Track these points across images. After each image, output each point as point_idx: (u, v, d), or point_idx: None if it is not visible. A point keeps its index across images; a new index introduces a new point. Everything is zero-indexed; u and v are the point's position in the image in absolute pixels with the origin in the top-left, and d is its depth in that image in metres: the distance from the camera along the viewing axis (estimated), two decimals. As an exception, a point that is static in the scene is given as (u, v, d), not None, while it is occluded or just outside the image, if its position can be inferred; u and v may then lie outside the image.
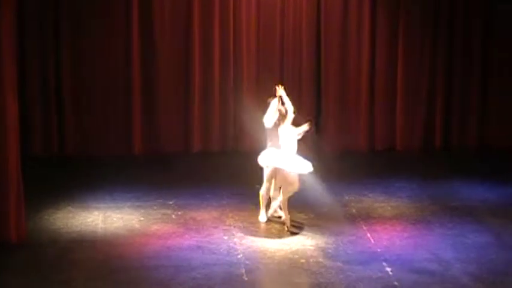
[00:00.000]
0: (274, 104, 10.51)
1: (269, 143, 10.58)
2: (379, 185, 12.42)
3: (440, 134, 15.15)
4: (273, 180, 10.68)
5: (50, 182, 12.58)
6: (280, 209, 10.71)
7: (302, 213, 11.06)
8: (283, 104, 10.52)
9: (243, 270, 9.18)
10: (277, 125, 10.47)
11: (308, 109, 14.47)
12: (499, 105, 15.00)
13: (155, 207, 11.44)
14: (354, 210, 11.26)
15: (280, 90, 10.57)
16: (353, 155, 14.42)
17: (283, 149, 10.37)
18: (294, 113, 10.43)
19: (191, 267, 9.26)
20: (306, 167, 10.34)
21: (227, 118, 14.66)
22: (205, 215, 11.14)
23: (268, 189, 10.74)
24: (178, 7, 14.37)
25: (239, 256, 9.60)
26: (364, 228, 10.62)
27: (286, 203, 10.48)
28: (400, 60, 14.93)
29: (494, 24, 14.81)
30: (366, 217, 11.06)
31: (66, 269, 9.24)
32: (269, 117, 10.51)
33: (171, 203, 11.65)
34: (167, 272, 9.14)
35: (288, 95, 13.77)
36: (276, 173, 10.55)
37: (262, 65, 14.72)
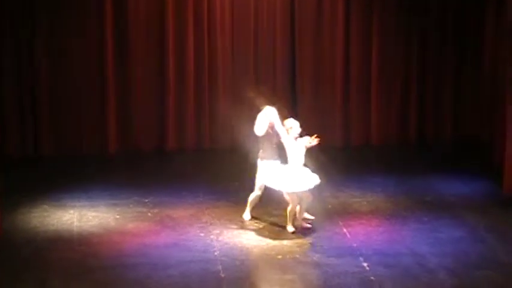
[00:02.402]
0: (262, 115, 10.48)
1: (261, 151, 10.56)
2: (355, 180, 12.47)
3: (415, 128, 15.20)
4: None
5: (25, 182, 12.51)
6: (307, 212, 10.69)
7: (278, 209, 11.06)
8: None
9: (220, 267, 9.19)
10: (269, 133, 10.43)
11: (283, 105, 14.42)
12: (472, 98, 15.05)
13: (131, 205, 11.43)
14: (330, 206, 11.30)
15: (269, 110, 10.45)
16: (328, 150, 14.43)
17: (289, 161, 10.27)
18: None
19: (168, 264, 9.26)
20: (309, 181, 10.21)
21: (202, 115, 14.62)
22: (181, 212, 11.13)
23: (256, 198, 10.75)
24: (152, 6, 14.33)
25: (216, 253, 9.61)
26: (341, 223, 10.66)
27: (293, 211, 10.39)
28: (374, 54, 14.94)
29: (467, 16, 14.89)
30: (342, 212, 11.11)
31: (42, 268, 9.21)
32: (260, 126, 10.48)
33: (146, 200, 11.63)
34: (144, 270, 9.13)
35: (262, 91, 13.80)
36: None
37: (237, 62, 14.68)
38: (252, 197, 10.76)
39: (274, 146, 10.52)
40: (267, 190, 10.66)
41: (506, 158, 11.91)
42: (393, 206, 11.48)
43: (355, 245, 9.88)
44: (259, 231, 10.39)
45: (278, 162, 10.53)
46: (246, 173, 12.55)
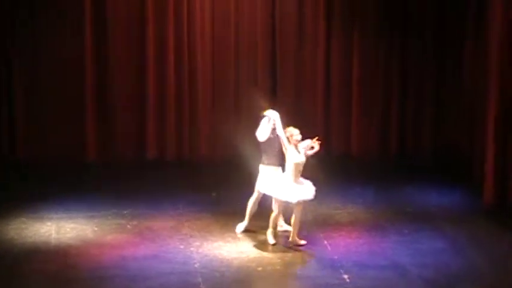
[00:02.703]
0: (265, 120, 10.45)
1: (264, 156, 10.53)
2: (336, 191, 12.47)
3: (396, 139, 15.22)
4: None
5: (1, 190, 12.41)
6: (287, 224, 10.64)
7: (259, 221, 11.00)
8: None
9: (200, 279, 9.15)
10: (271, 139, 10.41)
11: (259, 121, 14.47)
12: (453, 110, 15.05)
13: (109, 217, 11.37)
14: (310, 217, 11.27)
15: (272, 114, 10.41)
16: (309, 162, 14.41)
17: (287, 169, 10.20)
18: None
19: (147, 276, 9.19)
20: (302, 193, 10.12)
21: (182, 125, 14.55)
22: (161, 224, 11.09)
23: (256, 201, 10.67)
24: (132, 12, 14.27)
25: (196, 265, 9.57)
26: (321, 235, 10.65)
27: (298, 221, 10.26)
28: (355, 65, 14.96)
29: (447, 28, 14.98)
30: (323, 224, 11.11)
31: (19, 281, 9.12)
32: (262, 131, 10.45)
33: (125, 212, 11.59)
34: (122, 282, 9.07)
35: (242, 99, 13.72)
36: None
37: (218, 74, 14.66)
38: (250, 201, 10.68)
39: (277, 151, 10.48)
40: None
41: (486, 170, 11.95)
42: (373, 217, 11.50)
43: (335, 257, 9.87)
44: (239, 243, 10.36)
45: (280, 168, 10.48)
46: (226, 184, 12.56)
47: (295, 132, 10.23)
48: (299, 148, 10.20)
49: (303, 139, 10.26)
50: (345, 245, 10.28)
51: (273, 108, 10.60)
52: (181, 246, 10.21)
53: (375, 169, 14.27)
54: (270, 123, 10.39)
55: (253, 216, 10.85)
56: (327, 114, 15.03)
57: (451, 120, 15.13)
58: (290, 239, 10.26)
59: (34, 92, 14.00)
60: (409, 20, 14.95)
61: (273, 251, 10.06)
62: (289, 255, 9.93)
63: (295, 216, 10.19)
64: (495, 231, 10.86)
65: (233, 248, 10.19)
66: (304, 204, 10.25)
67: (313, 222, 11.12)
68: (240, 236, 10.61)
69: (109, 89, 14.30)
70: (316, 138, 10.29)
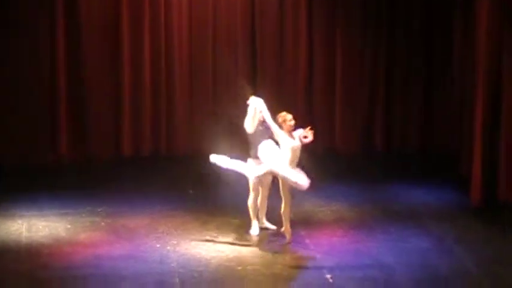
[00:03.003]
0: (251, 109, 10.28)
1: (252, 151, 10.38)
2: (319, 189, 12.42)
3: (381, 135, 15.30)
4: (260, 189, 10.54)
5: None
6: (268, 221, 10.63)
7: (237, 218, 11.04)
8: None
9: (177, 280, 9.11)
10: (260, 130, 10.27)
11: (243, 114, 14.47)
12: (441, 107, 15.18)
13: (83, 215, 11.33)
14: (292, 215, 11.20)
15: (256, 101, 10.24)
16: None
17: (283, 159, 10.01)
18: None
19: (122, 277, 9.15)
20: (301, 178, 10.01)
21: (159, 121, 14.60)
22: (136, 222, 11.06)
23: (256, 199, 10.60)
24: (107, 10, 14.27)
25: (172, 264, 9.53)
26: (303, 233, 10.63)
27: (288, 214, 10.25)
28: (339, 60, 15.03)
29: (435, 25, 15.04)
30: (305, 222, 11.08)
31: (-12, 281, 9.09)
32: (248, 123, 10.31)
33: (100, 209, 11.55)
34: (96, 282, 9.03)
35: (222, 96, 13.72)
36: (267, 181, 10.38)
37: (195, 70, 14.71)
38: (250, 202, 10.59)
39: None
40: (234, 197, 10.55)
41: (474, 169, 11.99)
42: (358, 215, 11.50)
43: (318, 256, 9.85)
44: (218, 242, 10.33)
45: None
46: (204, 180, 12.54)
47: (288, 118, 10.02)
48: (294, 135, 10.05)
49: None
50: (328, 244, 10.26)
51: (256, 95, 10.44)
52: (158, 245, 10.17)
53: (359, 166, 14.31)
54: (256, 112, 10.20)
55: (234, 213, 10.95)
56: (309, 108, 15.08)
57: (438, 116, 15.23)
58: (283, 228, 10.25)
59: (6, 88, 13.97)
60: (396, 11, 14.98)
61: (253, 250, 10.04)
62: (270, 255, 9.91)
63: (285, 206, 10.14)
64: (483, 230, 10.89)
65: (212, 246, 10.15)
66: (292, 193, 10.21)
67: (295, 220, 11.01)
68: (220, 235, 10.57)
69: (82, 83, 14.27)
70: (309, 127, 10.19)
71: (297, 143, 10.04)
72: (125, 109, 14.43)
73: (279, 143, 10.05)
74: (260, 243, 10.30)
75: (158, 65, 14.53)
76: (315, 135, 10.13)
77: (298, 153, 10.06)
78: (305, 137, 10.16)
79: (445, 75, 14.92)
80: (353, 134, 15.23)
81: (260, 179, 10.40)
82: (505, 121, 11.73)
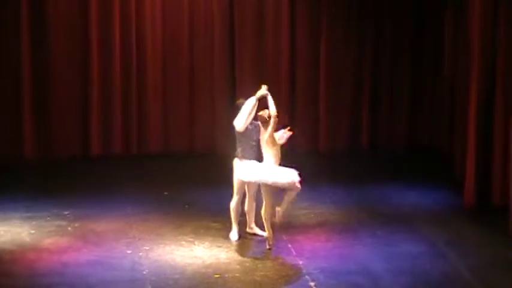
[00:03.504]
0: (249, 105, 10.28)
1: (239, 149, 10.38)
2: (302, 190, 12.42)
3: (367, 133, 15.42)
4: (247, 192, 10.52)
5: None
6: (258, 226, 10.63)
7: (217, 222, 11.03)
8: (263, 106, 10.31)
9: (150, 288, 9.12)
10: (249, 129, 10.30)
11: (221, 114, 14.57)
12: (430, 106, 15.31)
13: (48, 219, 11.30)
14: (273, 218, 11.16)
15: (264, 91, 10.33)
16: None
17: (265, 159, 10.13)
18: (277, 117, 10.17)
19: (89, 285, 9.11)
20: (291, 175, 10.10)
21: (130, 117, 14.62)
22: (105, 226, 11.04)
23: (239, 203, 10.57)
24: (74, 5, 14.31)
25: (144, 272, 9.48)
26: (285, 238, 10.62)
27: (269, 216, 10.25)
28: (323, 55, 15.11)
29: (425, 21, 15.14)
30: (287, 226, 11.02)
31: None
32: (242, 120, 10.29)
33: (66, 213, 11.53)
34: (62, 291, 8.99)
35: (200, 97, 13.72)
36: (253, 183, 10.37)
37: (169, 65, 14.74)
38: (233, 205, 10.58)
39: (254, 144, 10.36)
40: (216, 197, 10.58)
41: (467, 171, 12.05)
42: (344, 218, 11.52)
43: (301, 262, 9.84)
44: (194, 247, 10.29)
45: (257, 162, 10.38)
46: (179, 181, 12.52)
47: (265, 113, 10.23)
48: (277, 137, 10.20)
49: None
50: (311, 249, 10.25)
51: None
52: (129, 251, 10.13)
53: (344, 166, 14.41)
54: (253, 110, 10.23)
55: (212, 216, 10.97)
56: (291, 106, 15.17)
57: (428, 116, 15.36)
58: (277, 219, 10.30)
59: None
60: (384, 10, 15.09)
61: (232, 256, 10.02)
62: (249, 261, 9.88)
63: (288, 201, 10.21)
64: (477, 234, 10.93)
65: (187, 252, 10.12)
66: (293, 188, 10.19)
67: (275, 224, 10.99)
68: (196, 240, 10.54)
69: (48, 79, 14.30)
70: (288, 128, 10.35)
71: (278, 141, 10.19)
72: (93, 105, 14.44)
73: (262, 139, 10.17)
74: (240, 249, 10.27)
75: (129, 59, 14.56)
76: (296, 133, 10.20)
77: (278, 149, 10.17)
78: (288, 136, 10.34)
79: (435, 72, 15.03)
80: (338, 132, 15.29)
81: (245, 181, 10.39)
82: (499, 123, 11.79)
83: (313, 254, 10.09)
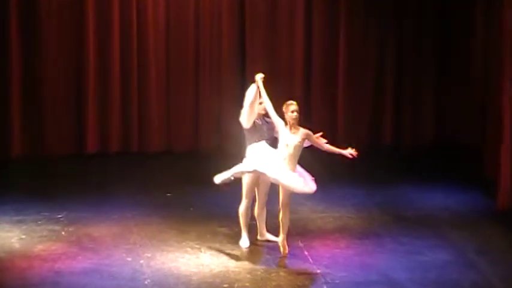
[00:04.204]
0: (249, 96, 10.20)
1: (247, 148, 10.31)
2: (319, 191, 12.27)
3: (391, 130, 15.50)
4: (257, 196, 10.49)
5: None
6: (268, 231, 10.62)
7: (225, 227, 11.03)
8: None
9: (151, 299, 9.13)
10: (258, 126, 10.22)
11: (228, 110, 14.58)
12: (456, 100, 15.33)
13: (40, 222, 11.32)
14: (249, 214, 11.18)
15: (259, 81, 10.25)
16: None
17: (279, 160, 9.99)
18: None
19: (86, 295, 9.14)
20: (309, 183, 10.03)
21: (129, 113, 14.72)
22: (103, 230, 11.05)
23: (248, 207, 10.52)
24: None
25: (146, 282, 9.49)
26: (301, 244, 10.61)
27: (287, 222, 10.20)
28: (342, 49, 15.18)
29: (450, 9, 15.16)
30: (303, 231, 11.07)
31: None
32: (244, 114, 10.22)
33: (60, 216, 11.55)
34: (56, 302, 9.02)
35: (206, 92, 13.67)
36: (263, 186, 10.34)
37: (173, 54, 14.85)
38: (242, 209, 10.55)
39: (265, 140, 10.26)
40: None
41: (502, 169, 12.05)
42: (365, 223, 11.52)
43: (318, 270, 9.83)
44: (200, 255, 10.28)
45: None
46: (184, 182, 12.51)
47: (290, 108, 10.00)
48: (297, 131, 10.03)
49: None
50: (329, 257, 10.23)
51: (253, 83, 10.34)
52: (129, 258, 10.13)
53: (365, 165, 14.14)
54: (255, 102, 10.15)
55: (219, 220, 11.02)
56: (307, 102, 15.21)
57: (454, 111, 15.40)
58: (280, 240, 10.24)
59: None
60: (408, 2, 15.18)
61: (242, 265, 9.99)
62: (260, 270, 9.85)
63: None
64: (510, 240, 10.92)
65: (192, 260, 10.10)
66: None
67: (291, 229, 10.86)
68: (202, 247, 10.54)
69: (38, 71, 14.41)
70: (321, 134, 10.29)
71: (295, 140, 9.98)
72: (89, 99, 14.55)
73: (278, 131, 10.05)
74: (251, 257, 10.24)
75: (129, 49, 14.67)
76: (313, 129, 10.13)
77: (298, 150, 10.01)
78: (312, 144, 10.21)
79: (464, 57, 15.03)
80: (358, 128, 15.34)
81: (255, 183, 10.32)
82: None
83: (331, 262, 10.06)
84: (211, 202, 11.95)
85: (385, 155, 15.09)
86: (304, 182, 9.99)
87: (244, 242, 10.58)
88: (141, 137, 14.78)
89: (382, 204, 12.25)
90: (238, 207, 10.57)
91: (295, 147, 9.95)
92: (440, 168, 14.33)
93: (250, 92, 10.24)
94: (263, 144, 10.22)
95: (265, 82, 14.60)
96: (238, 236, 10.69)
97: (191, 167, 12.93)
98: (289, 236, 10.38)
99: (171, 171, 13.21)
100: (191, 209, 11.93)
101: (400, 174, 13.79)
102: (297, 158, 10.01)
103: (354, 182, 13.17)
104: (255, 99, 10.21)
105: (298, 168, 10.09)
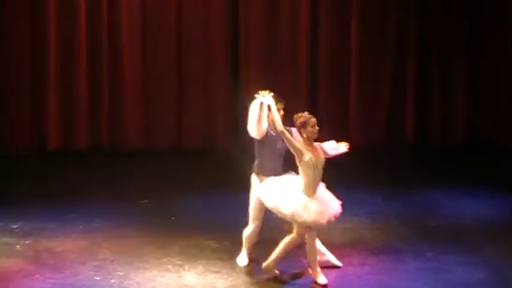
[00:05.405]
0: (253, 110, 10.16)
1: (256, 161, 10.31)
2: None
3: (413, 127, 15.66)
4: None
5: None
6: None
7: (213, 240, 11.05)
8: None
9: (125, 328, 9.16)
10: (271, 137, 10.16)
11: (217, 102, 14.94)
12: (489, 94, 15.57)
13: (-8, 234, 11.34)
14: (255, 239, 10.99)
15: (267, 97, 10.12)
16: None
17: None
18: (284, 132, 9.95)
19: (45, 322, 9.16)
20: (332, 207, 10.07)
21: (99, 104, 14.92)
22: (66, 244, 11.03)
23: (255, 232, 10.46)
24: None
25: (118, 305, 9.52)
26: (304, 261, 10.44)
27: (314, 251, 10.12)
28: (354, 34, 15.35)
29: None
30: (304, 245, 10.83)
31: None
32: (251, 127, 10.19)
33: (15, 227, 11.55)
34: (9, 330, 9.04)
35: (191, 81, 13.67)
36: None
37: (151, 36, 15.11)
38: (247, 232, 10.54)
39: (277, 157, 10.24)
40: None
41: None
42: (382, 234, 11.54)
43: (327, 292, 9.85)
44: (183, 273, 10.25)
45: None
46: (163, 186, 12.44)
47: (311, 121, 9.95)
48: (317, 145, 10.04)
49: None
50: (340, 275, 10.21)
51: (267, 89, 10.28)
52: (97, 278, 10.08)
53: (384, 166, 14.45)
54: (263, 112, 10.10)
55: (203, 231, 11.08)
56: (313, 94, 15.45)
57: (487, 101, 15.59)
58: (267, 263, 10.14)
59: None
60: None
61: (233, 285, 9.95)
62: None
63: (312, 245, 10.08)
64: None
65: (174, 280, 10.06)
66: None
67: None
68: (185, 264, 10.50)
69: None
70: (344, 143, 10.35)
71: (323, 160, 10.03)
72: (50, 88, 14.78)
73: (296, 156, 9.97)
74: (244, 275, 10.19)
75: (98, 27, 14.91)
76: (321, 127, 10.05)
77: (319, 170, 10.00)
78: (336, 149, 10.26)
79: (496, 50, 15.32)
80: (375, 124, 15.40)
81: (263, 208, 10.27)
82: None
83: (343, 281, 10.06)
84: (197, 210, 11.97)
85: (407, 155, 15.21)
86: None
87: (242, 259, 10.55)
88: (112, 131, 14.95)
89: (402, 213, 12.31)
90: (242, 230, 10.52)
91: (321, 164, 10.01)
92: (472, 171, 14.41)
93: (254, 109, 10.19)
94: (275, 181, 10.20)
95: (261, 71, 14.79)
96: (229, 250, 10.69)
97: (173, 167, 12.89)
98: (291, 250, 10.30)
99: (149, 173, 13.23)
100: (173, 218, 11.96)
101: (424, 178, 13.86)
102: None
103: (370, 187, 13.17)
104: (262, 114, 10.12)
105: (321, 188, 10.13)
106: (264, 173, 10.22)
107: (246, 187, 11.11)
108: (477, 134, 15.66)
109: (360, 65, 15.42)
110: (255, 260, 10.53)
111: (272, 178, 10.08)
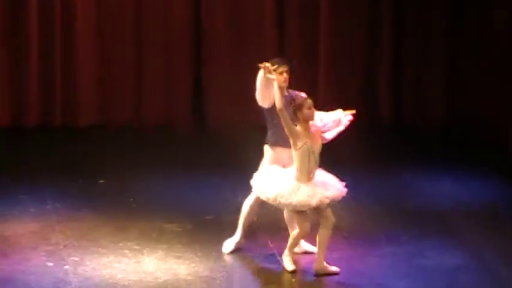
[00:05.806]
0: (259, 79, 10.12)
1: (269, 132, 10.27)
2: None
3: (389, 103, 15.76)
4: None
5: None
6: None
7: (174, 223, 11.00)
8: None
9: (80, 317, 9.18)
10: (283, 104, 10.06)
11: (179, 74, 15.04)
12: (473, 67, 15.52)
13: None
14: (255, 218, 10.99)
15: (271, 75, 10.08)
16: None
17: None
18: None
19: (-6, 312, 9.18)
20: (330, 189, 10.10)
21: (50, 77, 14.95)
22: (17, 228, 10.98)
23: (258, 202, 10.35)
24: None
25: (72, 292, 9.52)
26: (271, 244, 10.59)
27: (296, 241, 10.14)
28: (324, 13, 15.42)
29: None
30: (273, 227, 11.00)
31: None
32: (259, 95, 10.15)
33: (-40, 209, 11.58)
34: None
35: (151, 51, 13.63)
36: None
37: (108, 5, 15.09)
38: (249, 202, 10.45)
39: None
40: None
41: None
42: (354, 218, 11.49)
43: (293, 279, 9.82)
44: (142, 258, 10.23)
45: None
46: (121, 164, 12.43)
47: (307, 103, 9.95)
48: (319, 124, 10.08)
49: None
50: (308, 262, 10.16)
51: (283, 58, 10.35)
52: (50, 264, 10.04)
53: (355, 147, 14.29)
54: (268, 79, 10.07)
55: (166, 216, 11.00)
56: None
57: (469, 76, 15.60)
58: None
59: None
60: None
61: (196, 271, 9.92)
62: (219, 277, 9.81)
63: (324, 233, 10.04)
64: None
65: (132, 265, 10.03)
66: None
67: (258, 225, 11.00)
68: (144, 249, 10.47)
69: None
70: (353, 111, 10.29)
71: (319, 146, 10.10)
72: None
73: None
74: (207, 262, 10.13)
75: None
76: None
77: (316, 155, 10.09)
78: (338, 123, 10.32)
79: (480, 21, 15.28)
80: (347, 102, 15.35)
81: None
82: None
83: (311, 267, 10.00)
84: (157, 191, 11.95)
85: (381, 133, 15.29)
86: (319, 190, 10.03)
87: (229, 244, 10.49)
88: (65, 107, 14.95)
89: (375, 195, 12.31)
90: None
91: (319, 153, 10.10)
92: (452, 150, 14.52)
93: (259, 78, 10.18)
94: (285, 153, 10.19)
95: (227, 38, 14.78)
96: (190, 234, 10.66)
97: (131, 144, 12.85)
98: (254, 234, 10.48)
99: (105, 151, 13.22)
100: (131, 199, 11.93)
101: (399, 158, 13.91)
102: None
103: (340, 168, 12.89)
104: (267, 84, 10.09)
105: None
106: (278, 143, 10.21)
107: (207, 168, 11.18)
108: (459, 112, 15.72)
109: (329, 30, 15.54)
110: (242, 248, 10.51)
111: (268, 167, 10.10)
